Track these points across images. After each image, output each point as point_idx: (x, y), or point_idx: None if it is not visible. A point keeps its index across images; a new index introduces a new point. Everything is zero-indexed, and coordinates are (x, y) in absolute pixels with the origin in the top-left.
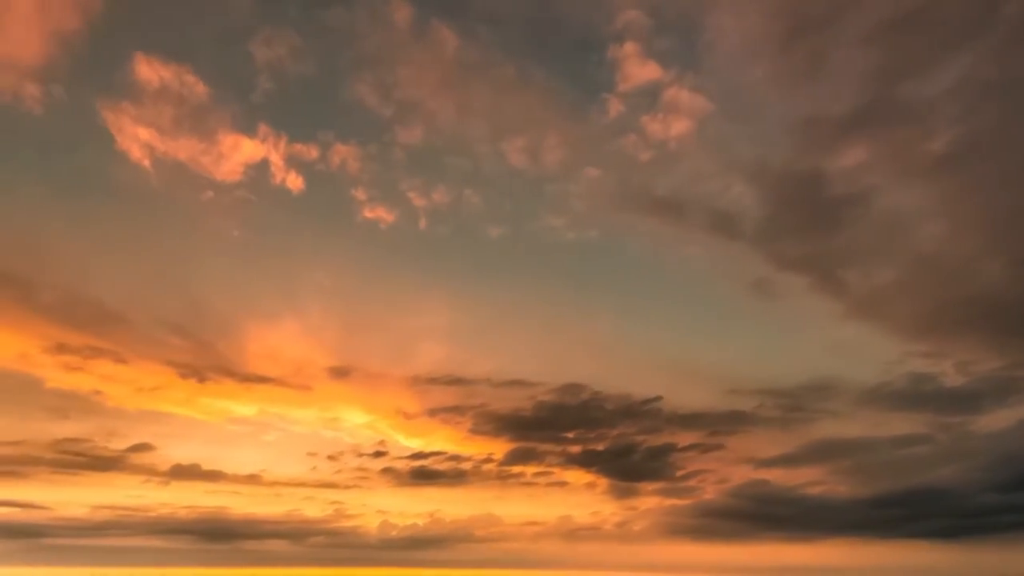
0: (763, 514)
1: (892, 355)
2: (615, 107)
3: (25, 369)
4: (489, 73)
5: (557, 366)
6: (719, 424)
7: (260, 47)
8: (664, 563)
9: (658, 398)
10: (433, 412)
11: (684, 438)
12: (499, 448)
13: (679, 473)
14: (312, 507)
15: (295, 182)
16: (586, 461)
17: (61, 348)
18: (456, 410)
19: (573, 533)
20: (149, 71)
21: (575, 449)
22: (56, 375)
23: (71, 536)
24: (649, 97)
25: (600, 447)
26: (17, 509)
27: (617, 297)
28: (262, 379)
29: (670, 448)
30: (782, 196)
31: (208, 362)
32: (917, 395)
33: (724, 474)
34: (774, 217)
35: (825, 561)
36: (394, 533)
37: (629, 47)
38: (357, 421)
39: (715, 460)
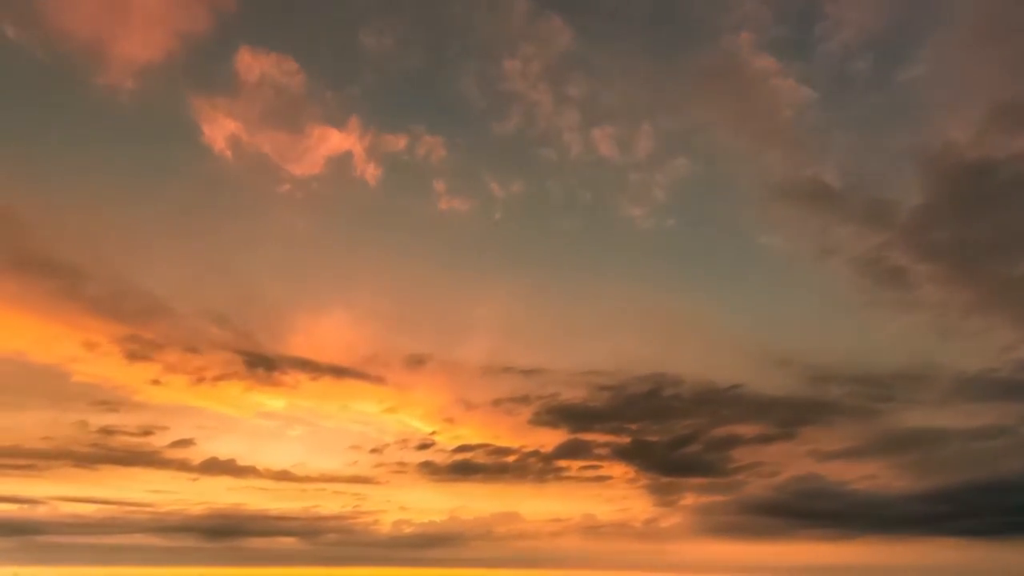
0: (806, 510)
1: (1007, 341)
2: (712, 99)
3: (55, 362)
4: (593, 63)
5: (634, 355)
6: (795, 413)
7: (369, 37)
8: (701, 563)
9: (737, 386)
10: (498, 402)
11: (751, 429)
12: (553, 440)
13: (731, 466)
14: (335, 503)
15: (374, 174)
16: (636, 455)
17: (98, 340)
18: (523, 400)
19: (602, 531)
20: (251, 63)
21: (629, 441)
22: (87, 368)
23: (75, 534)
24: (755, 86)
25: (657, 439)
26: (28, 505)
27: (698, 285)
28: (315, 370)
29: (733, 440)
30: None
31: (254, 354)
32: (1019, 385)
33: (778, 468)
34: (887, 204)
35: (863, 560)
36: (407, 531)
37: (744, 37)
38: (411, 413)
39: (775, 452)
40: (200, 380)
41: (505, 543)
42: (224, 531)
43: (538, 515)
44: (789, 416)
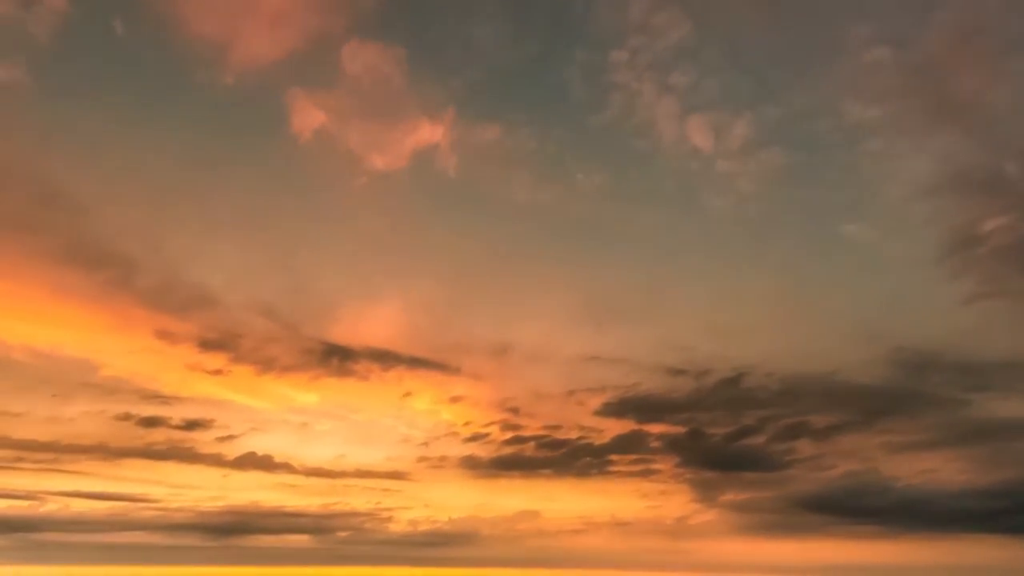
0: (852, 507)
1: None
2: (824, 87)
3: (97, 354)
4: (703, 54)
5: (717, 345)
6: (878, 403)
7: (482, 28)
8: (736, 562)
9: (821, 375)
10: (571, 393)
11: (825, 419)
12: (613, 431)
13: (788, 459)
14: (361, 499)
15: (456, 166)
16: (690, 448)
17: (144, 333)
18: (598, 390)
19: (639, 528)
20: (357, 53)
21: (686, 433)
22: (130, 361)
23: (85, 532)
24: (866, 77)
25: (719, 431)
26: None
27: (784, 275)
28: (377, 360)
29: (800, 431)
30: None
31: (308, 348)
32: None
33: (837, 461)
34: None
35: (905, 559)
36: (421, 529)
37: (861, 29)
38: (473, 403)
39: (844, 444)
40: (248, 373)
41: (526, 541)
42: (236, 529)
43: (572, 512)
44: (871, 405)
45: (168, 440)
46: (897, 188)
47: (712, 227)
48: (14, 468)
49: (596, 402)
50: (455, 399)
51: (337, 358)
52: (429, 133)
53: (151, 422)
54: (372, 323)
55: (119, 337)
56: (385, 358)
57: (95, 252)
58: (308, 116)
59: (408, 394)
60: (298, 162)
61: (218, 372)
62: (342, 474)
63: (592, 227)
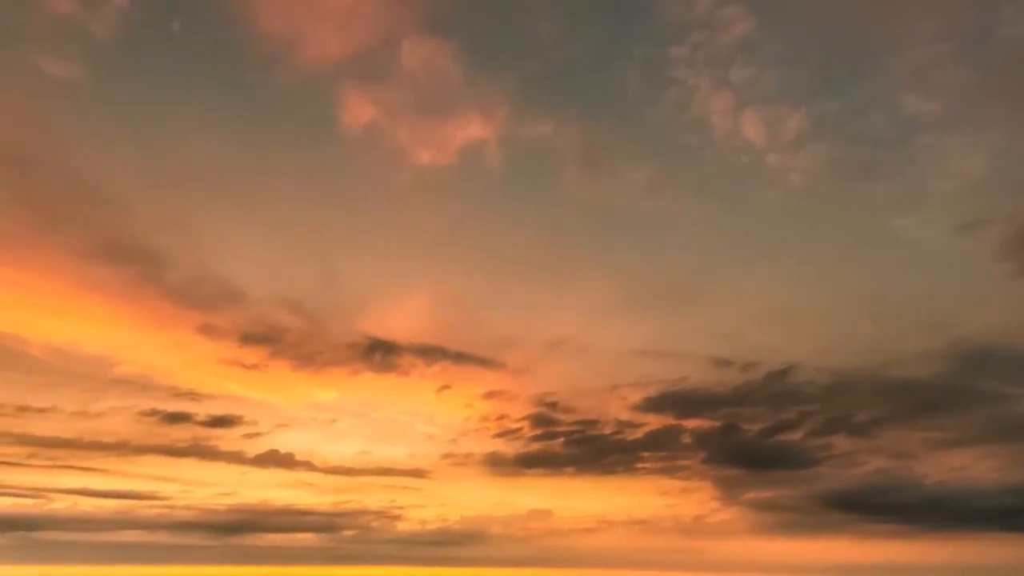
0: (879, 505)
1: None
2: (882, 80)
3: (118, 350)
4: (764, 49)
5: (765, 339)
6: (924, 398)
7: (541, 22)
8: (765, 561)
9: (867, 371)
10: (614, 388)
11: (868, 415)
12: (649, 427)
13: (821, 455)
14: (376, 498)
15: (504, 162)
16: (723, 444)
17: (171, 328)
18: (642, 384)
19: (656, 527)
20: (415, 48)
21: (720, 427)
22: (154, 357)
23: (88, 530)
24: (926, 72)
25: (756, 427)
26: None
27: (831, 270)
28: (411, 355)
29: (839, 426)
30: None
31: (343, 342)
32: None
33: (871, 457)
34: None
35: (930, 558)
36: (431, 528)
37: (925, 24)
38: (508, 398)
39: (884, 440)
40: (281, 369)
41: (537, 540)
42: (244, 528)
43: (589, 510)
44: (918, 400)
45: (192, 437)
46: (951, 182)
47: (761, 220)
48: (25, 465)
49: (638, 396)
50: (491, 394)
51: (380, 353)
52: (479, 129)
53: (176, 418)
54: (413, 318)
55: (149, 333)
56: (428, 353)
57: (126, 247)
58: (359, 111)
59: (445, 388)
60: (344, 157)
61: (250, 368)
62: (362, 471)
63: (639, 221)
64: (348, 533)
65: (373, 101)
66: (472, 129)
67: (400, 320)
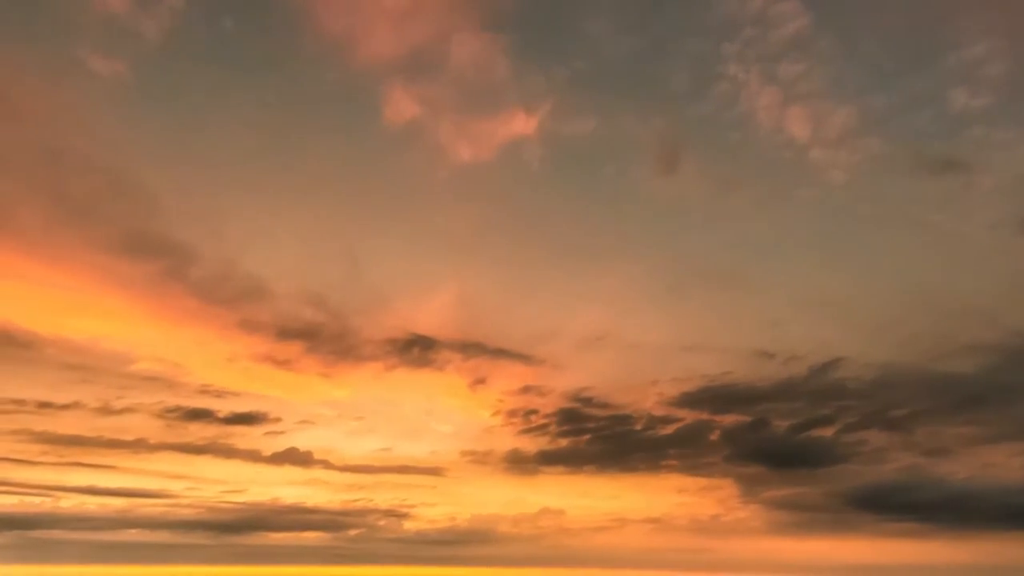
0: (904, 503)
1: None
2: (932, 76)
3: (139, 346)
4: (814, 45)
5: (809, 335)
6: (967, 393)
7: (593, 19)
8: (778, 561)
9: (910, 366)
10: (654, 383)
11: (905, 409)
12: (682, 422)
13: (848, 452)
14: (387, 496)
15: (544, 158)
16: (749, 442)
17: (194, 324)
18: (682, 380)
19: (664, 526)
20: (465, 44)
21: (751, 426)
22: (177, 354)
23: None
24: (976, 67)
25: (786, 423)
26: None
27: (873, 264)
28: (452, 350)
29: (873, 422)
30: None
31: (359, 340)
32: None
33: (900, 454)
34: None
35: (951, 557)
36: (441, 527)
37: (974, 19)
38: (541, 393)
39: (918, 436)
40: (311, 365)
41: (547, 539)
42: (249, 526)
43: (603, 508)
44: (959, 395)
45: (212, 435)
46: (999, 177)
47: (806, 214)
48: (37, 463)
49: (675, 391)
50: (526, 389)
51: (418, 348)
52: (523, 125)
53: (197, 415)
54: (448, 314)
55: (173, 329)
56: (466, 348)
57: (154, 241)
58: (403, 107)
59: (479, 383)
60: (383, 154)
61: (278, 364)
62: (379, 469)
63: (682, 214)
64: (355, 532)
65: (418, 97)
66: (515, 125)
67: (434, 316)
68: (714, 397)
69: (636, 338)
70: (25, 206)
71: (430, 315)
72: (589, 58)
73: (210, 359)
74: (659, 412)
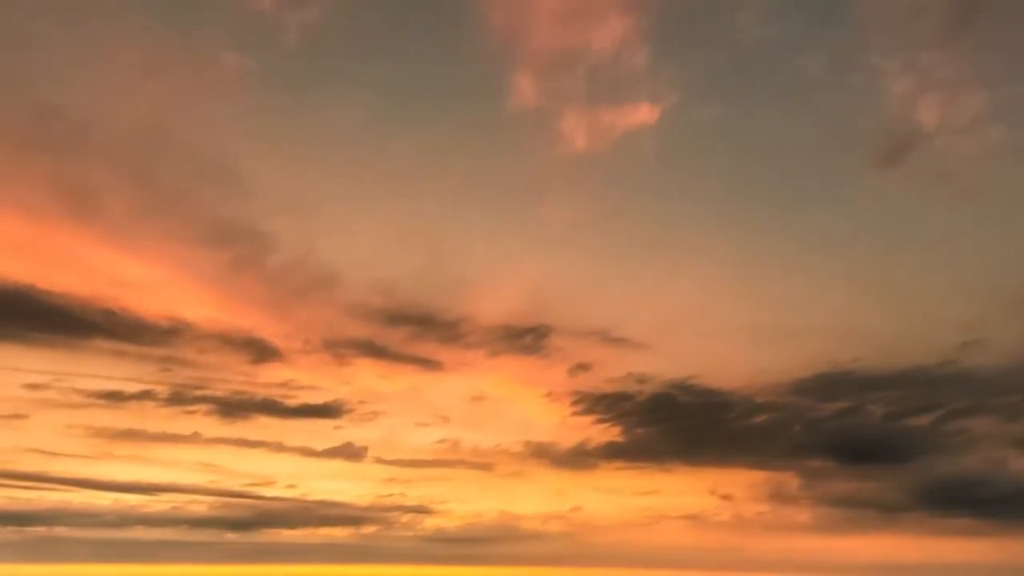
0: (973, 499)
1: None
2: None
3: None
4: (964, 33)
5: (949, 318)
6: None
7: (737, 10)
8: (828, 561)
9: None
10: (762, 371)
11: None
12: (780, 412)
13: (938, 444)
14: (416, 492)
15: (661, 149)
16: (799, 436)
17: (260, 314)
18: (797, 367)
19: (703, 524)
20: (604, 31)
21: (838, 417)
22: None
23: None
24: None
25: (881, 412)
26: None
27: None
28: (538, 338)
29: (982, 409)
30: None
31: (470, 327)
32: None
33: (988, 447)
34: None
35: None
36: (452, 527)
37: None
38: (620, 384)
39: (979, 430)
40: (385, 356)
41: (578, 537)
42: (262, 524)
43: (648, 506)
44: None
45: (272, 428)
46: None
47: (927, 201)
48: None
49: (787, 377)
50: (628, 376)
51: (531, 336)
52: (646, 115)
53: (263, 407)
54: (535, 303)
55: (247, 318)
56: (580, 336)
57: (237, 228)
58: (529, 95)
59: (580, 368)
60: (498, 142)
61: (355, 355)
62: (430, 463)
63: (794, 202)
64: (373, 529)
65: (547, 86)
66: (638, 115)
67: (523, 305)
68: (827, 384)
69: (745, 322)
70: (114, 192)
71: (518, 304)
72: (725, 48)
73: (283, 348)
74: (760, 399)
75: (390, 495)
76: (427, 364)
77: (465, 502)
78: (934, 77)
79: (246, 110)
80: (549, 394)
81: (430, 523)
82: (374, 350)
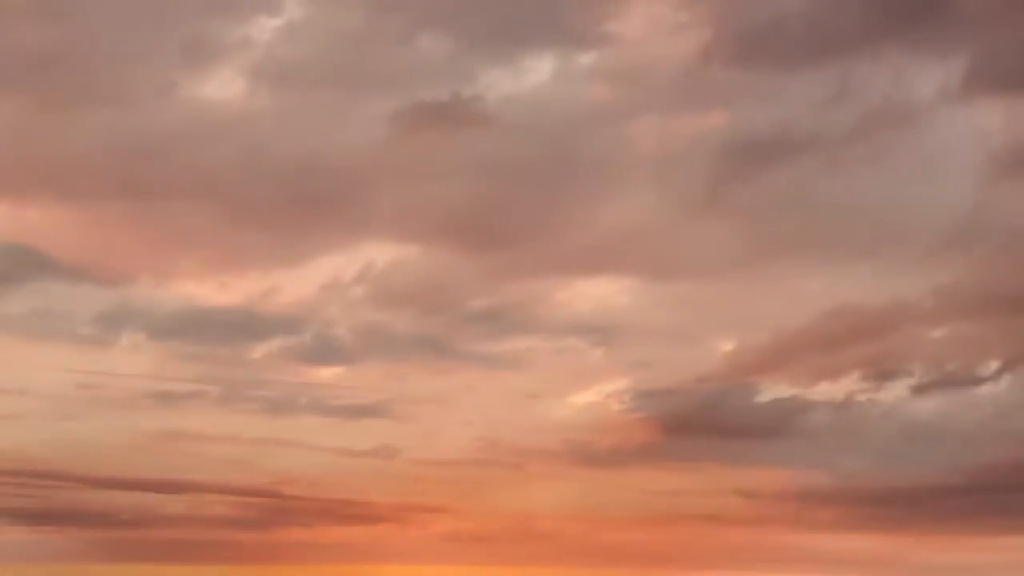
0: None
1: None
2: None
3: None
4: None
5: None
6: None
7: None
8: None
9: None
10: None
11: None
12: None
13: None
14: (427, 493)
15: (723, 154)
16: None
17: None
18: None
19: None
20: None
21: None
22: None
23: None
24: None
25: None
26: None
27: None
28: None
29: None
30: None
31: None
32: None
33: None
34: None
35: None
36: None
37: None
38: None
39: None
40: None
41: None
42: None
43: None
44: None
45: (307, 427)
46: None
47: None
48: None
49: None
50: (668, 379)
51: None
52: (715, 119)
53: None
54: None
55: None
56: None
57: None
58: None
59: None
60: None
61: (406, 356)
62: (453, 463)
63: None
64: (377, 529)
65: (620, 86)
66: (708, 120)
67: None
68: None
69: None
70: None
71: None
72: None
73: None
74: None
75: (412, 494)
76: (483, 361)
77: (487, 501)
78: None
79: None
80: (603, 393)
81: (449, 523)
82: (434, 348)
